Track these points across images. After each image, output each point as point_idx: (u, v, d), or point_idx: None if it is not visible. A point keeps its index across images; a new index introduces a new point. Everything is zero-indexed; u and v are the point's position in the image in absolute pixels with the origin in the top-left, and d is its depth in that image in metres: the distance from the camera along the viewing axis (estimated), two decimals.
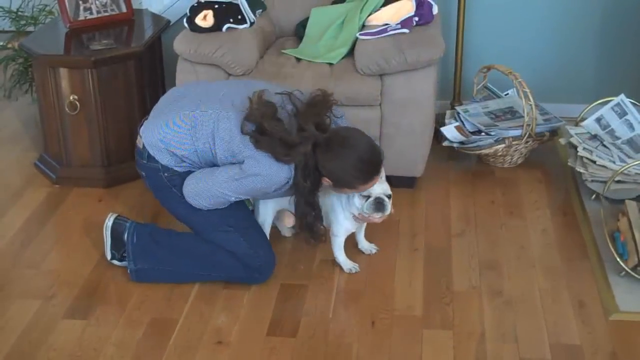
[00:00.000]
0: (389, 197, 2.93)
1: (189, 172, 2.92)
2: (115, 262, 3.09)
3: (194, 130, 2.85)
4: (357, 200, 2.92)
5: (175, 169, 2.92)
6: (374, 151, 2.83)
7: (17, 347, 2.73)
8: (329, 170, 2.78)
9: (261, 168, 2.77)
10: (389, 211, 2.94)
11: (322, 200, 3.00)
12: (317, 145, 2.76)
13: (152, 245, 2.99)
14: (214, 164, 2.89)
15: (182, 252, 2.98)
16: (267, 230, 3.10)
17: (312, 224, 2.91)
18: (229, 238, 2.93)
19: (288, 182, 2.81)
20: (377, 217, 2.96)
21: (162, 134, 2.89)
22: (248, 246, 2.92)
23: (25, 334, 2.78)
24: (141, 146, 2.96)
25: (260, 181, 2.79)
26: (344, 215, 2.99)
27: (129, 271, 3.01)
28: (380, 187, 2.91)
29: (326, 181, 2.82)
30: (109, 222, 3.05)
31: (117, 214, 3.08)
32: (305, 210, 2.87)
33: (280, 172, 2.77)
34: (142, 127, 2.98)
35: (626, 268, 2.94)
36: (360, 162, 2.77)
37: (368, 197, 2.90)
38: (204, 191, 2.86)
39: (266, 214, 3.09)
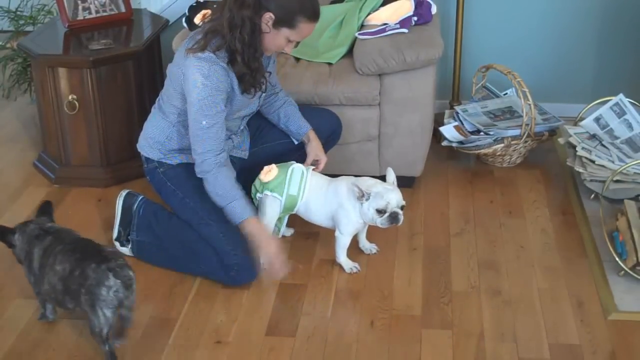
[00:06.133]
0: (402, 207, 2.93)
1: (180, 164, 3.04)
2: (117, 244, 3.15)
3: (160, 108, 3.04)
4: (372, 214, 2.90)
5: (168, 162, 3.04)
6: None
7: (16, 346, 2.73)
8: None
9: (198, 69, 2.79)
10: (402, 221, 2.95)
11: (326, 200, 3.00)
12: None
13: (153, 221, 3.10)
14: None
15: (174, 233, 3.05)
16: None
17: (251, 83, 2.89)
18: (210, 232, 2.96)
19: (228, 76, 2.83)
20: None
21: (144, 131, 3.10)
22: (226, 242, 2.93)
23: (24, 334, 2.78)
24: (141, 155, 3.13)
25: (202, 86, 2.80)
26: (356, 214, 2.96)
27: (129, 244, 3.13)
28: (395, 199, 2.90)
29: (265, 20, 2.78)
30: (123, 192, 3.19)
31: (130, 190, 3.23)
32: (243, 69, 2.84)
33: (213, 63, 2.79)
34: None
35: (625, 268, 2.94)
36: None
37: (384, 211, 2.89)
38: (192, 139, 2.90)
39: (272, 217, 3.07)
